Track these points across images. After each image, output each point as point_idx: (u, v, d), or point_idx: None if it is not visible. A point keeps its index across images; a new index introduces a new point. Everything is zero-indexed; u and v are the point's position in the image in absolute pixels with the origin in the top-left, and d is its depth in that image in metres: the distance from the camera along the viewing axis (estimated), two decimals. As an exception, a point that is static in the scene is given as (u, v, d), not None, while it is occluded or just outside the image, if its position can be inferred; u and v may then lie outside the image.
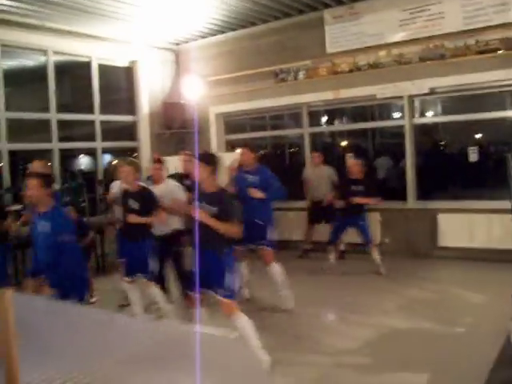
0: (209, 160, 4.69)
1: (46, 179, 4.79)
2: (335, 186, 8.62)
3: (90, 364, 1.26)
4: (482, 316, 5.64)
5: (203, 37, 10.51)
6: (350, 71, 9.24)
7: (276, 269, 6.29)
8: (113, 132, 10.38)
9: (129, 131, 10.74)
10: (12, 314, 1.35)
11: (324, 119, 10.79)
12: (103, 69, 10.10)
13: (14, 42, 8.66)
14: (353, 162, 7.99)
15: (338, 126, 10.97)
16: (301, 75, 9.78)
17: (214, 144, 10.79)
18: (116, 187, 7.05)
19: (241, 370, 1.01)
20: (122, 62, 10.49)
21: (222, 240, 4.58)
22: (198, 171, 4.59)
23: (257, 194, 6.26)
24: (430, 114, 9.58)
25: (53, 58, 9.25)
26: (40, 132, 9.44)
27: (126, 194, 5.94)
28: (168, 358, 1.12)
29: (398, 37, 8.71)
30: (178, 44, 10.96)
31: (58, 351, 1.29)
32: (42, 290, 4.45)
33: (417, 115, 9.11)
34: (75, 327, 1.28)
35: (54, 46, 9.17)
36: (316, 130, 10.40)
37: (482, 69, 7.97)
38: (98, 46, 9.78)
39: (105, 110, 10.07)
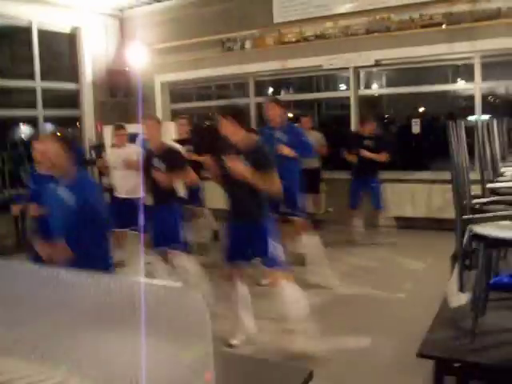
0: (229, 112, 4.28)
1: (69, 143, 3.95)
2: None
3: (28, 325, 1.24)
4: (423, 281, 5.83)
5: (148, 3, 10.29)
6: (297, 41, 9.23)
7: (310, 241, 5.79)
8: (55, 100, 10.09)
9: (71, 99, 10.45)
10: None
11: (270, 90, 10.78)
12: (45, 34, 9.74)
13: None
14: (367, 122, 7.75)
15: (285, 96, 10.97)
16: (248, 45, 9.71)
17: (159, 113, 10.64)
18: (114, 154, 7.02)
19: (187, 320, 1.01)
20: (64, 27, 10.14)
21: (260, 205, 4.26)
22: (229, 129, 4.21)
23: (286, 150, 5.64)
24: (375, 86, 9.71)
25: (-9, 22, 8.88)
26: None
27: (150, 154, 5.32)
28: (113, 312, 1.11)
29: (345, 8, 8.73)
30: (122, 10, 10.69)
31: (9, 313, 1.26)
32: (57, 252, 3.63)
33: (362, 87, 9.22)
34: (11, 285, 1.25)
35: (-8, 9, 8.79)
36: (262, 99, 10.36)
37: (425, 42, 8.09)
38: (39, 10, 9.41)
39: (46, 77, 9.74)
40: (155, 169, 5.15)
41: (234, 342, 4.39)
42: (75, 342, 1.19)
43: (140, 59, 10.22)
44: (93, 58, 10.45)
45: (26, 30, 9.49)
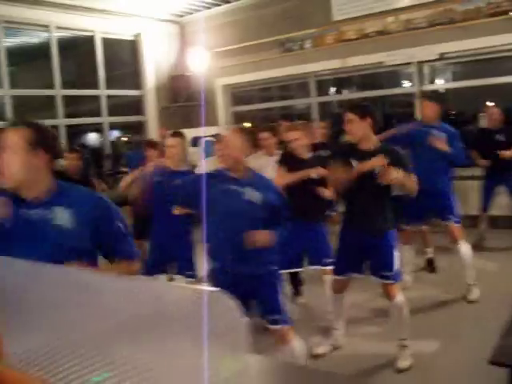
0: (363, 111, 3.90)
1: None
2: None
3: (77, 331, 1.21)
4: (496, 283, 5.56)
5: (207, 7, 10.34)
6: (357, 38, 9.06)
7: (466, 248, 5.34)
8: (119, 107, 10.31)
9: (135, 106, 10.66)
10: None
11: (332, 88, 10.64)
12: (107, 43, 9.99)
13: (17, 18, 8.55)
14: (495, 111, 6.99)
15: (347, 94, 10.79)
16: (307, 44, 9.62)
17: (222, 116, 10.69)
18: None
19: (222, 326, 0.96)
20: (126, 35, 10.37)
21: (388, 215, 3.98)
22: (354, 127, 3.87)
23: (442, 144, 5.24)
24: (440, 80, 9.41)
25: (56, 34, 9.15)
26: (46, 109, 9.39)
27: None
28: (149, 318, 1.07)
29: (406, 1, 8.51)
30: (182, 16, 10.80)
31: (43, 319, 1.24)
32: None
33: (426, 82, 8.95)
34: (59, 291, 1.23)
35: (56, 21, 9.06)
36: (324, 99, 10.27)
37: (493, 32, 7.76)
38: (102, 20, 9.65)
39: (110, 84, 9.98)
40: None
41: (319, 351, 4.31)
42: (117, 349, 1.15)
43: (201, 63, 10.30)
44: (155, 64, 10.62)
45: (90, 40, 9.74)
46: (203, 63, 10.31)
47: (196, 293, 1.02)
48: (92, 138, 11.80)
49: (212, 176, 3.56)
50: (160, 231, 4.79)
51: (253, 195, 3.42)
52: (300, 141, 4.69)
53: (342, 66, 9.29)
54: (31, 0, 8.49)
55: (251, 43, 9.94)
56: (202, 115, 9.96)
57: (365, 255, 4.03)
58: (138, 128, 10.85)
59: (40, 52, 9.37)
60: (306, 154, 4.76)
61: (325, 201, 4.56)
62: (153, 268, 4.61)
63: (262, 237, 3.33)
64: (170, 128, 10.05)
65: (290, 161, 4.71)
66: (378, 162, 3.76)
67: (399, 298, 4.01)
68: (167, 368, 1.05)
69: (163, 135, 10.25)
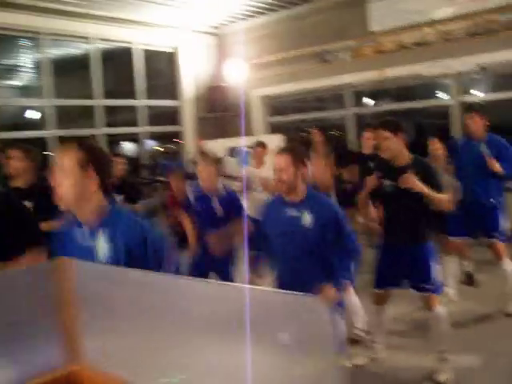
0: (397, 128, 3.95)
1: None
2: None
3: (157, 332, 1.26)
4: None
5: (244, 19, 10.44)
6: (395, 50, 9.05)
7: (509, 266, 5.22)
8: (156, 117, 10.45)
9: (171, 116, 10.80)
10: (74, 282, 1.37)
11: (367, 100, 10.61)
12: (146, 54, 10.16)
13: (60, 30, 8.77)
14: None
15: (385, 105, 10.70)
16: (345, 55, 9.63)
17: (257, 127, 10.76)
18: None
19: (310, 332, 0.98)
20: (164, 47, 10.54)
21: (424, 226, 4.00)
22: (388, 144, 3.92)
23: (496, 166, 5.11)
24: (476, 92, 9.31)
25: (96, 45, 9.34)
26: (85, 118, 9.59)
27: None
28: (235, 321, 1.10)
29: (445, 13, 8.46)
30: (219, 27, 10.92)
31: (125, 320, 1.29)
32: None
33: (463, 93, 8.87)
34: (143, 294, 1.27)
35: (96, 33, 9.26)
36: (360, 110, 10.24)
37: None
38: (140, 32, 9.82)
39: (148, 94, 10.14)
40: None
41: (359, 362, 4.28)
42: (204, 350, 1.19)
43: (238, 74, 10.39)
44: (192, 74, 10.76)
45: (129, 52, 9.92)
46: (240, 74, 10.39)
47: (286, 298, 1.05)
48: (128, 147, 11.98)
49: (270, 205, 3.63)
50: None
51: (308, 218, 3.34)
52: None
53: (379, 77, 9.27)
54: (73, 13, 8.70)
55: (288, 54, 10.00)
56: (240, 125, 10.03)
57: (403, 268, 4.01)
58: (172, 138, 11.00)
59: (80, 63, 9.57)
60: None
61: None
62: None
63: (329, 293, 3.23)
64: (207, 138, 10.21)
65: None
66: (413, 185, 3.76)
67: (439, 309, 3.99)
68: (257, 371, 1.07)
69: (200, 145, 10.40)
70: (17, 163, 4.38)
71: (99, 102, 9.38)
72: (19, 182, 4.39)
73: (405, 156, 3.97)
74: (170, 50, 10.65)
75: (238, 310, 1.06)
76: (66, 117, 9.10)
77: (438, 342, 4.02)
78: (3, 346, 1.28)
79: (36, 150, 4.58)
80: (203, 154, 5.21)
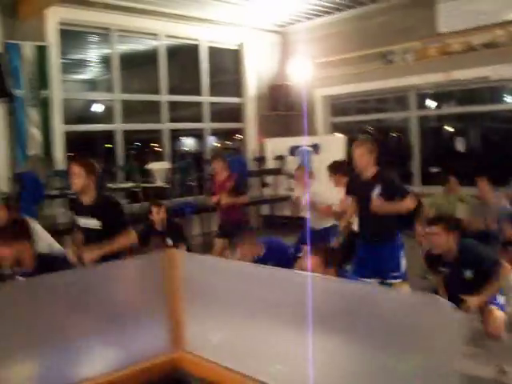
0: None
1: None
2: None
3: (255, 322, 1.31)
4: None
5: (310, 18, 10.43)
6: (463, 51, 8.86)
7: None
8: (217, 114, 10.57)
9: (234, 113, 10.91)
10: (181, 272, 1.43)
11: (430, 102, 10.43)
12: (211, 51, 10.29)
13: (129, 26, 8.98)
14: None
15: (450, 108, 10.49)
16: (409, 56, 9.51)
17: (320, 127, 10.74)
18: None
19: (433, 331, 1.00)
20: (229, 44, 10.65)
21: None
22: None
23: None
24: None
25: (164, 42, 9.54)
26: (150, 113, 9.80)
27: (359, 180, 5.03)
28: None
29: (517, 14, 8.25)
30: (284, 26, 10.95)
31: (226, 309, 1.34)
32: None
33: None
34: (243, 285, 1.32)
35: (165, 30, 9.44)
36: (424, 113, 10.09)
37: None
38: (207, 29, 9.95)
39: (212, 91, 10.28)
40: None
41: None
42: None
43: (301, 73, 10.39)
44: (256, 72, 10.84)
45: (194, 48, 10.08)
46: (304, 73, 10.38)
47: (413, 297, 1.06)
48: (188, 143, 12.18)
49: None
50: None
51: None
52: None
53: (445, 79, 9.12)
54: (142, 10, 8.90)
55: (353, 55, 9.94)
56: (302, 125, 10.04)
57: None
58: (232, 134, 11.12)
59: (147, 58, 9.79)
60: None
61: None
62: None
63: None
64: (268, 136, 10.28)
65: None
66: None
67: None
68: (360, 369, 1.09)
69: (261, 143, 10.49)
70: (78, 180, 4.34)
71: (164, 97, 9.56)
72: (84, 198, 4.33)
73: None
74: (235, 48, 10.75)
75: (345, 305, 1.09)
76: (131, 111, 9.31)
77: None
78: (112, 331, 1.35)
79: (93, 161, 4.47)
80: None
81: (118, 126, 8.94)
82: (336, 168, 6.24)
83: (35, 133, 7.78)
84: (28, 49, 7.72)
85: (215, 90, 10.36)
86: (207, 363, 1.28)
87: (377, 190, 4.73)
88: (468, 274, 4.04)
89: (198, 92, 10.11)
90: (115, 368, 1.35)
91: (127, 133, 9.18)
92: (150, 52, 9.58)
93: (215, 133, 10.79)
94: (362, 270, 4.70)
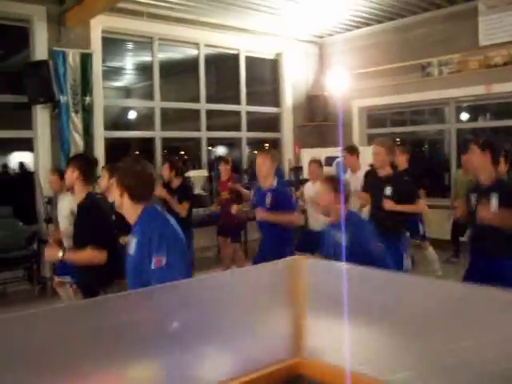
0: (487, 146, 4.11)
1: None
2: None
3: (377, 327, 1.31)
4: None
5: (348, 29, 10.44)
6: (504, 64, 8.78)
7: None
8: (252, 123, 10.60)
9: (269, 122, 10.94)
10: (305, 277, 1.44)
11: (465, 115, 10.33)
12: (249, 61, 10.36)
13: (170, 35, 9.09)
14: None
15: (487, 122, 10.36)
16: (449, 69, 9.45)
17: (356, 138, 10.71)
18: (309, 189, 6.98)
19: None
20: (267, 54, 10.71)
21: None
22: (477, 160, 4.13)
23: None
24: None
25: (204, 51, 9.63)
26: (184, 121, 9.89)
27: (378, 179, 5.27)
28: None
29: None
30: (322, 37, 10.98)
31: (348, 315, 1.35)
32: None
33: None
34: (367, 291, 1.33)
35: (205, 40, 9.53)
36: (464, 125, 10.01)
37: None
38: (246, 39, 10.02)
39: (249, 101, 10.33)
40: (385, 197, 5.01)
41: None
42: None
43: (339, 84, 10.39)
44: (293, 82, 10.87)
45: (232, 58, 10.16)
46: (341, 84, 10.38)
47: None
48: (220, 151, 12.25)
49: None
50: None
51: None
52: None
53: (486, 92, 9.03)
54: (183, 19, 8.99)
55: (391, 66, 9.91)
56: (338, 135, 10.02)
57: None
58: (265, 144, 11.15)
59: (186, 67, 9.89)
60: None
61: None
62: None
63: None
64: (305, 147, 10.29)
65: None
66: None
67: None
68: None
69: (297, 153, 10.50)
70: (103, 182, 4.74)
71: (203, 105, 9.64)
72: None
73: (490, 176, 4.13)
74: (272, 57, 10.81)
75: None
76: (164, 119, 9.38)
77: None
78: (235, 337, 1.37)
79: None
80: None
81: (158, 134, 9.03)
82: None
83: (77, 138, 7.89)
84: (73, 56, 7.86)
85: (251, 99, 10.41)
86: (329, 368, 1.29)
87: (388, 190, 4.98)
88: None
89: (234, 101, 10.17)
90: (236, 374, 1.36)
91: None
92: (186, 60, 9.68)
93: (254, 142, 10.84)
94: None
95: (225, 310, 1.41)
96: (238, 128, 10.26)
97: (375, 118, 11.18)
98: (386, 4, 9.00)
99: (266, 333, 1.43)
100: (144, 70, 9.78)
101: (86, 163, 4.14)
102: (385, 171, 5.14)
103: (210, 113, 9.86)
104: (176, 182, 6.80)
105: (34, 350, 1.14)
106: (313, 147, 10.31)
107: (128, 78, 11.84)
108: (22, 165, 11.13)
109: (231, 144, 10.94)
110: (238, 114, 10.23)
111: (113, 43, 8.94)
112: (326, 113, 10.77)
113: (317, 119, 10.77)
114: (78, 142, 7.89)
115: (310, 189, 6.92)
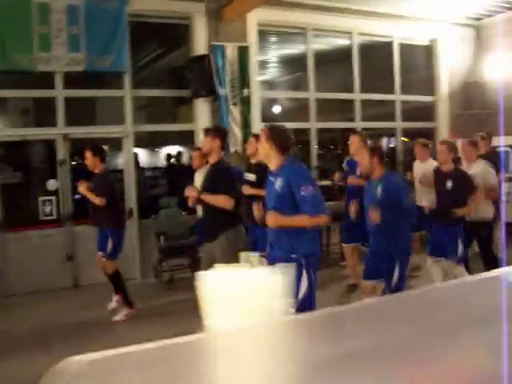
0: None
1: None
2: None
3: None
4: None
5: (510, 8, 9.74)
6: None
7: None
8: (407, 112, 10.25)
9: (422, 112, 10.56)
10: None
11: None
12: (402, 48, 10.03)
13: (323, 25, 9.03)
14: None
15: None
16: None
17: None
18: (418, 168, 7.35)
19: None
20: (421, 40, 10.32)
21: None
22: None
23: None
24: None
25: (357, 40, 9.45)
26: (342, 111, 9.76)
27: (439, 174, 5.84)
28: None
29: None
30: (479, 19, 10.37)
31: None
32: None
33: None
34: None
35: (358, 28, 9.38)
36: None
37: None
38: (399, 25, 9.71)
39: (403, 89, 10.01)
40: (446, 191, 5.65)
41: None
42: None
43: (498, 69, 9.75)
44: (449, 69, 10.40)
45: (385, 46, 9.91)
46: (501, 69, 9.73)
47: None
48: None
49: None
50: None
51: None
52: None
53: None
54: (336, 8, 8.86)
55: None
56: (499, 124, 9.40)
57: None
58: (419, 134, 10.71)
59: (339, 57, 9.75)
60: None
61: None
62: None
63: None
64: (462, 136, 9.76)
65: None
66: None
67: None
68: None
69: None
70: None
71: (357, 95, 9.50)
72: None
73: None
74: (427, 44, 10.39)
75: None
76: (322, 109, 9.31)
77: None
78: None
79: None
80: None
81: (313, 124, 9.00)
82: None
83: (236, 130, 8.04)
84: (231, 49, 8.01)
85: (406, 87, 10.06)
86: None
87: (449, 184, 5.59)
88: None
89: (386, 90, 9.89)
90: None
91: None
92: (342, 50, 9.52)
93: (409, 133, 10.48)
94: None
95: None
96: (388, 118, 9.98)
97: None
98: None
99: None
100: (288, 63, 9.72)
101: (223, 133, 5.00)
102: (447, 166, 5.71)
103: (363, 103, 9.65)
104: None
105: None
106: (470, 137, 9.76)
107: (271, 72, 11.88)
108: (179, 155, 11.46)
109: (380, 135, 10.64)
110: (387, 103, 9.98)
111: (264, 36, 8.96)
112: (485, 100, 10.16)
113: (474, 107, 10.19)
114: (236, 133, 8.04)
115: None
